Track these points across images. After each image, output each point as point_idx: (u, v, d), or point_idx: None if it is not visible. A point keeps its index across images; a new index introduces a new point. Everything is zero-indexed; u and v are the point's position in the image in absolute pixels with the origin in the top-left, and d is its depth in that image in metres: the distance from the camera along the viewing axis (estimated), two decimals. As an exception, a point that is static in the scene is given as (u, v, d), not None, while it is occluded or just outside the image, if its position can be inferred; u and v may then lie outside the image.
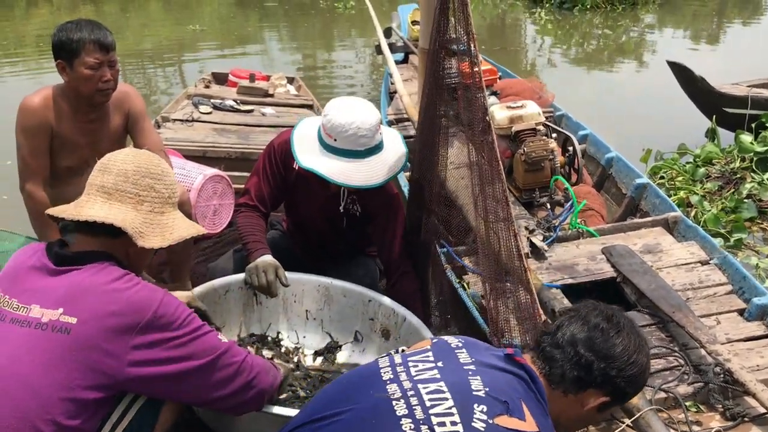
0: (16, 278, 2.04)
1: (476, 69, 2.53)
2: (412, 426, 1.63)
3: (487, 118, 2.61)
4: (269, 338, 3.02)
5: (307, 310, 3.07)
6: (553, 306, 2.59)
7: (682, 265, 3.50)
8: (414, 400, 1.68)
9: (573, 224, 3.85)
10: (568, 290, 3.38)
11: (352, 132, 2.77)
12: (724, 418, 2.60)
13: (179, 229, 2.16)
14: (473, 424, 1.62)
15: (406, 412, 1.66)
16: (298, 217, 3.29)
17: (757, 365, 2.83)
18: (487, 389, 1.69)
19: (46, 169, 3.26)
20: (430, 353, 1.86)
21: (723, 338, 2.97)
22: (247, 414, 2.27)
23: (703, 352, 2.87)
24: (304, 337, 3.06)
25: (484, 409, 1.64)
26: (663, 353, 2.93)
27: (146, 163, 2.12)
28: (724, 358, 2.71)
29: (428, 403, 1.67)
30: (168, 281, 3.70)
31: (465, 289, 3.44)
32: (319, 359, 2.99)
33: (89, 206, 2.06)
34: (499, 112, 4.32)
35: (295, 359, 2.95)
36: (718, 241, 4.17)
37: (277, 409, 2.34)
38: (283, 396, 2.69)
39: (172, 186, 2.18)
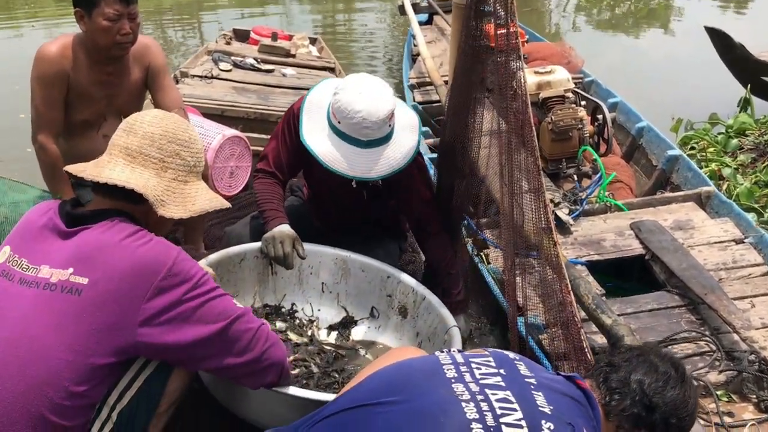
0: (26, 237, 1.96)
1: (513, 29, 2.38)
2: None
3: (514, 83, 2.47)
4: (283, 309, 2.93)
5: (323, 283, 2.97)
6: (618, 334, 2.52)
7: (715, 243, 3.36)
8: (484, 406, 1.65)
9: (601, 197, 3.72)
10: (593, 267, 3.27)
11: (357, 121, 2.61)
12: (758, 410, 2.48)
13: (202, 200, 2.06)
14: None
15: (477, 416, 1.62)
16: (316, 188, 3.17)
17: (794, 354, 2.71)
18: (552, 407, 1.67)
19: (59, 121, 3.15)
20: (491, 358, 1.83)
21: (758, 323, 2.84)
22: (258, 392, 2.18)
23: (736, 337, 2.75)
24: (319, 310, 2.96)
25: (552, 427, 1.63)
26: (693, 337, 2.81)
27: (174, 128, 2.02)
28: (759, 346, 2.59)
29: (498, 411, 1.64)
30: (181, 241, 3.62)
31: (485, 263, 3.33)
32: (334, 334, 2.90)
33: (110, 168, 1.97)
34: (526, 78, 4.14)
35: (309, 333, 2.86)
36: (751, 217, 4.01)
37: (291, 390, 2.25)
38: (296, 371, 2.62)
39: (198, 154, 2.07)
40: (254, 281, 2.89)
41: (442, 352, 1.88)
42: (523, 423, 1.62)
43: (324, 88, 2.84)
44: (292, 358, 2.66)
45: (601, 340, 2.79)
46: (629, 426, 1.76)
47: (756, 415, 2.46)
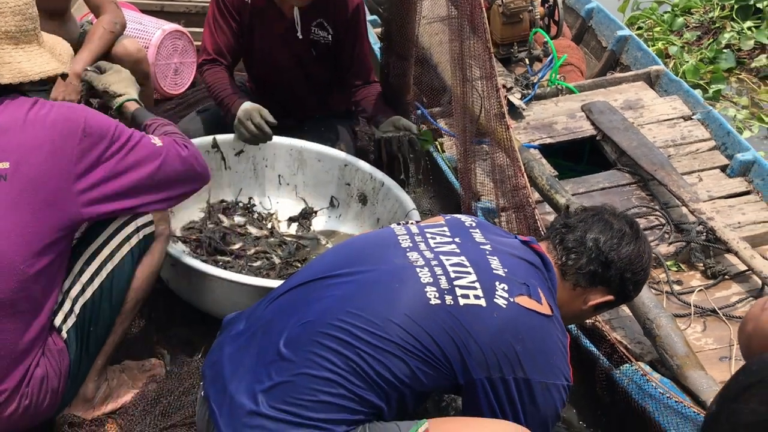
0: None
1: None
2: (437, 294, 1.65)
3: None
4: (241, 204, 2.92)
5: (279, 175, 2.95)
6: (562, 200, 2.63)
7: (665, 121, 3.41)
8: (438, 270, 1.69)
9: (552, 81, 3.71)
10: (546, 151, 3.30)
11: None
12: (704, 277, 2.60)
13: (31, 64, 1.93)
14: (495, 300, 1.65)
15: (431, 280, 1.67)
16: (261, 70, 3.09)
17: (739, 222, 2.81)
18: (506, 270, 1.71)
19: None
20: (445, 228, 1.85)
21: (705, 196, 2.93)
22: (220, 284, 2.25)
23: (684, 210, 2.84)
24: (278, 202, 2.96)
25: (506, 288, 1.67)
26: (644, 212, 2.89)
27: None
28: (707, 217, 2.68)
29: (452, 275, 1.68)
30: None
31: (440, 152, 3.34)
32: (294, 226, 2.91)
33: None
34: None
35: (269, 225, 2.86)
36: (697, 93, 4.07)
37: (252, 280, 2.28)
38: (257, 263, 2.64)
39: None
40: (208, 177, 2.86)
41: (398, 224, 1.91)
42: (477, 285, 1.66)
43: None
44: (253, 251, 2.67)
45: (555, 220, 2.86)
46: (586, 283, 1.80)
47: (703, 282, 2.57)
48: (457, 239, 1.79)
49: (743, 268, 2.57)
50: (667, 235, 2.76)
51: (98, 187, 1.87)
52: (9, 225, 1.78)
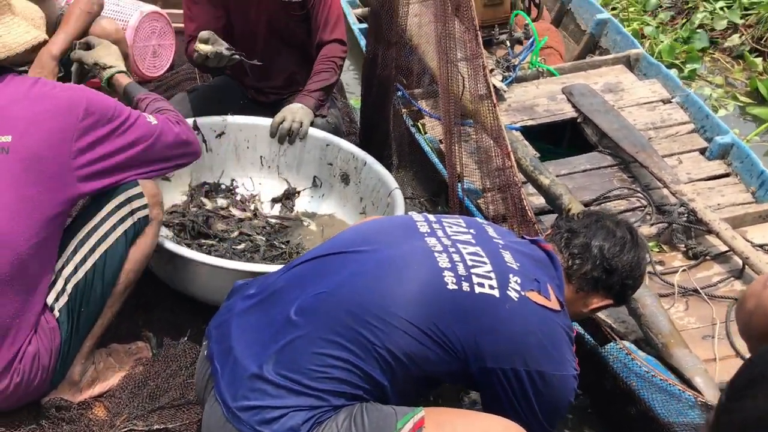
0: None
1: None
2: (454, 280, 1.67)
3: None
4: (223, 186, 2.89)
5: (261, 156, 2.92)
6: (556, 192, 2.68)
7: (644, 104, 3.43)
8: (456, 257, 1.72)
9: (533, 63, 3.72)
10: (527, 133, 3.31)
11: None
12: (686, 257, 2.62)
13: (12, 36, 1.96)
14: (508, 291, 1.69)
15: (449, 265, 1.69)
16: (241, 37, 3.04)
17: (718, 204, 2.85)
18: (518, 264, 1.75)
19: None
20: (461, 220, 1.90)
21: (685, 178, 2.96)
22: (204, 269, 2.24)
23: (665, 192, 2.86)
24: (260, 184, 2.93)
25: (518, 281, 1.71)
26: (625, 194, 2.92)
27: None
28: (688, 198, 2.70)
29: (469, 263, 1.71)
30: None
31: (421, 133, 3.34)
32: (278, 206, 2.89)
33: None
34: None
35: (252, 207, 2.84)
36: (673, 72, 4.11)
37: (236, 264, 2.27)
38: (241, 246, 2.63)
39: None
40: (189, 160, 2.83)
41: (417, 213, 1.96)
42: (492, 275, 1.69)
43: None
44: (236, 233, 2.66)
45: (537, 201, 2.87)
46: (589, 288, 1.86)
47: (684, 262, 2.60)
48: (472, 230, 1.84)
49: (724, 248, 2.60)
50: (648, 217, 2.78)
51: (95, 163, 1.93)
52: (8, 198, 1.81)
